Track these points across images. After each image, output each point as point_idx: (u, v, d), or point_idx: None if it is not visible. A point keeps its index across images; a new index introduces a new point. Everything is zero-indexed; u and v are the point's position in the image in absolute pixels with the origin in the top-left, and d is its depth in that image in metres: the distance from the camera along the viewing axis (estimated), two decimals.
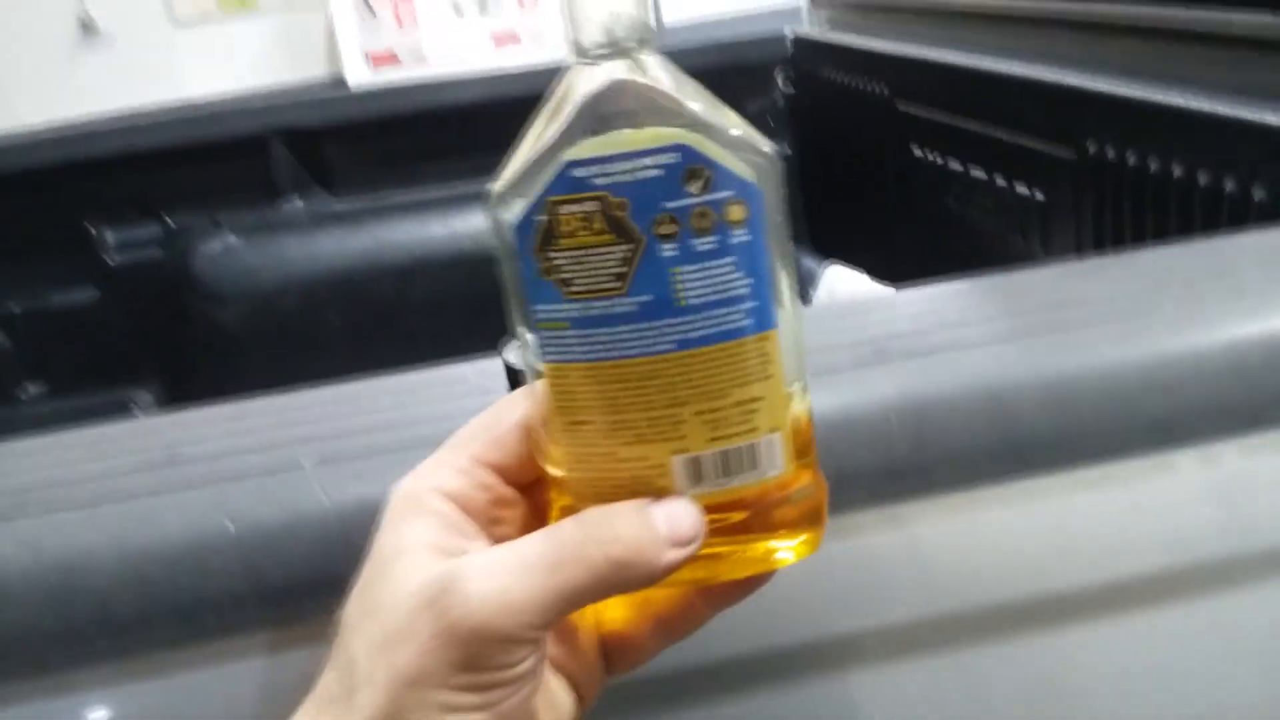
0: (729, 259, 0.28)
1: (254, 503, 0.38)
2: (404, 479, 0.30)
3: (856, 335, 0.43)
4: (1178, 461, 0.41)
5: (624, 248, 0.28)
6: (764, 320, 0.29)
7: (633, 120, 0.28)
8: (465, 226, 1.50)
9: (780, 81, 1.56)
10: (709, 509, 0.29)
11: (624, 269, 0.28)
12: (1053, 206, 0.92)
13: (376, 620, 0.27)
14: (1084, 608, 0.42)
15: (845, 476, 0.39)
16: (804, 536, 0.31)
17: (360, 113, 1.51)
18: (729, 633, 0.36)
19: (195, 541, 0.37)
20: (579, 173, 0.27)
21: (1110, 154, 0.82)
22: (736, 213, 0.28)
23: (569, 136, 0.28)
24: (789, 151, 1.59)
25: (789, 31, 1.54)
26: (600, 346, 0.28)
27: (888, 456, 0.39)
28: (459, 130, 1.53)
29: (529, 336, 0.29)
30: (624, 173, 0.27)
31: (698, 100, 0.28)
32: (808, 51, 1.49)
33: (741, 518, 0.30)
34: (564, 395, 0.29)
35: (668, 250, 0.28)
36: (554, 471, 0.30)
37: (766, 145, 0.28)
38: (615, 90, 0.28)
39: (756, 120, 1.59)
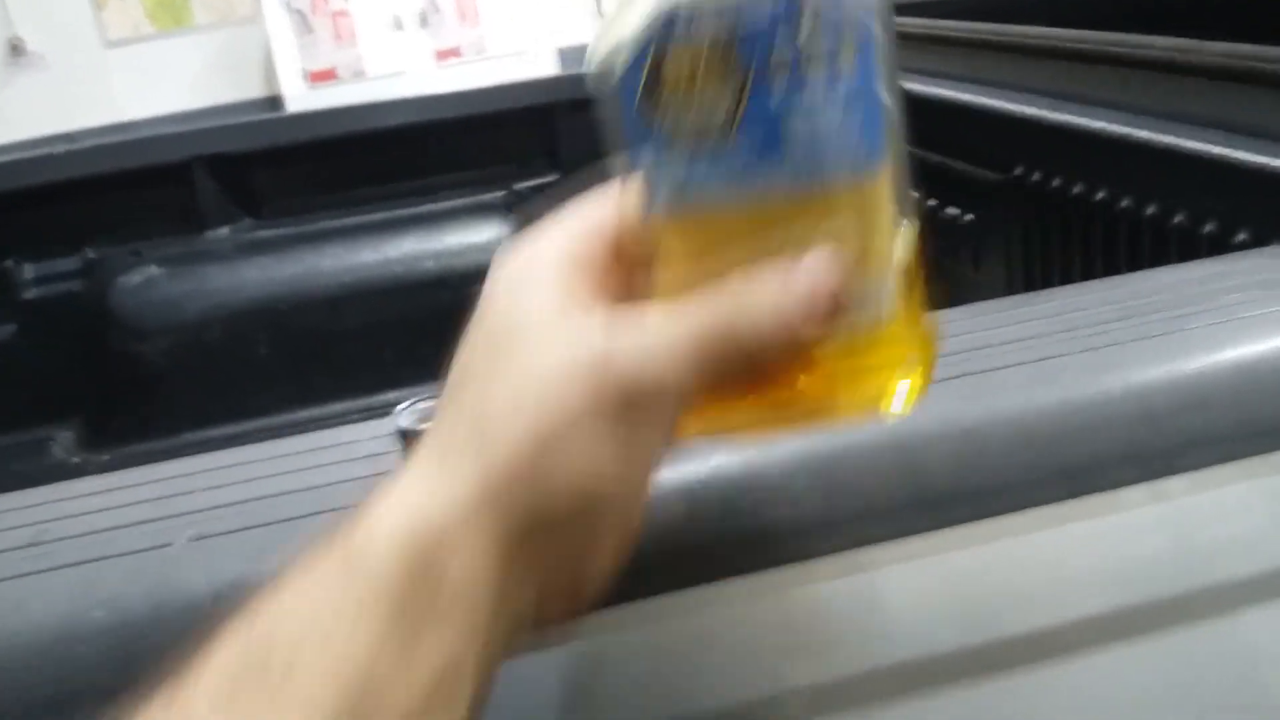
0: (840, 97, 0.27)
1: (125, 586, 0.36)
2: (513, 248, 0.30)
3: None
4: (1091, 505, 0.40)
5: (731, 90, 0.27)
6: (875, 158, 0.28)
7: None
8: (398, 251, 1.47)
9: None
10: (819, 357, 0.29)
11: (732, 112, 0.27)
12: (982, 227, 0.92)
13: (516, 377, 0.27)
14: (1032, 651, 0.41)
15: (753, 534, 0.38)
16: (919, 375, 0.30)
17: (287, 137, 1.47)
18: (688, 688, 0.35)
19: (61, 630, 0.35)
20: (686, 15, 0.27)
21: (1036, 176, 0.83)
22: (848, 52, 0.27)
23: None
24: None
25: None
26: (710, 192, 0.28)
27: (794, 513, 0.38)
28: (390, 154, 1.51)
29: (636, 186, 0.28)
30: (731, 16, 0.26)
31: None
32: None
33: (849, 359, 0.29)
34: (673, 245, 0.29)
35: (777, 92, 0.27)
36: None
37: None
38: None
39: None
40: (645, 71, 0.27)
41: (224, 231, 1.47)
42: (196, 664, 0.25)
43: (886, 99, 0.28)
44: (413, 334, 1.44)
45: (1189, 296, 0.44)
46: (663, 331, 0.27)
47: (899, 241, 0.29)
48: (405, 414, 0.38)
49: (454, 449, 0.27)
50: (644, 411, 0.27)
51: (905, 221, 0.29)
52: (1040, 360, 0.41)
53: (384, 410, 1.37)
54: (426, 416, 0.38)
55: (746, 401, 0.30)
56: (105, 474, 0.43)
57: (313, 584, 0.26)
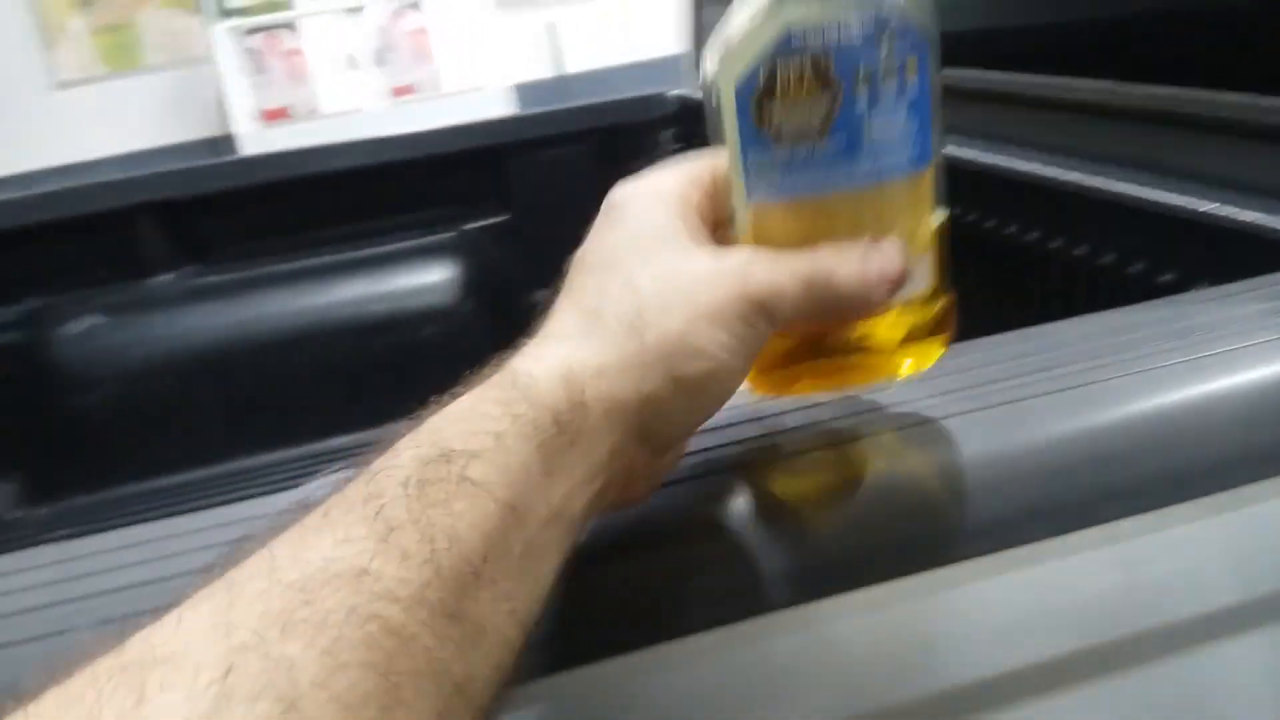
0: (905, 105, 0.34)
1: (19, 677, 0.34)
2: (631, 181, 0.36)
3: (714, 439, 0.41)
4: (1003, 562, 0.40)
5: (827, 99, 0.33)
6: (926, 157, 0.35)
7: None
8: (346, 295, 1.46)
9: (669, 139, 1.56)
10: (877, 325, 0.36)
11: (827, 117, 0.33)
12: None
13: (668, 272, 0.33)
14: (985, 699, 0.41)
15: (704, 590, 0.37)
16: (941, 339, 0.38)
17: (231, 182, 1.46)
18: None
19: None
20: (795, 37, 0.33)
21: (971, 217, 0.83)
22: (912, 67, 0.34)
23: (785, 5, 0.33)
24: None
25: (672, 92, 1.54)
26: (801, 185, 0.34)
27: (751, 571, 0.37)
28: (337, 196, 1.50)
29: (740, 181, 0.35)
30: (832, 36, 0.33)
31: None
32: (690, 112, 1.50)
33: (900, 326, 0.37)
34: (765, 230, 0.35)
35: (861, 100, 0.33)
36: None
37: (931, 11, 0.34)
38: None
39: None
40: (761, 80, 0.33)
41: (169, 278, 1.45)
42: (380, 463, 0.29)
43: (938, 104, 0.35)
44: (362, 378, 1.42)
45: (1103, 348, 0.44)
46: (785, 263, 0.33)
47: (937, 224, 0.36)
48: (318, 488, 0.38)
49: (605, 323, 0.32)
50: (764, 320, 0.33)
51: (940, 210, 0.36)
52: (947, 417, 0.41)
53: (332, 457, 1.35)
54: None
55: (811, 364, 0.37)
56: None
57: (482, 411, 0.30)
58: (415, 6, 4.08)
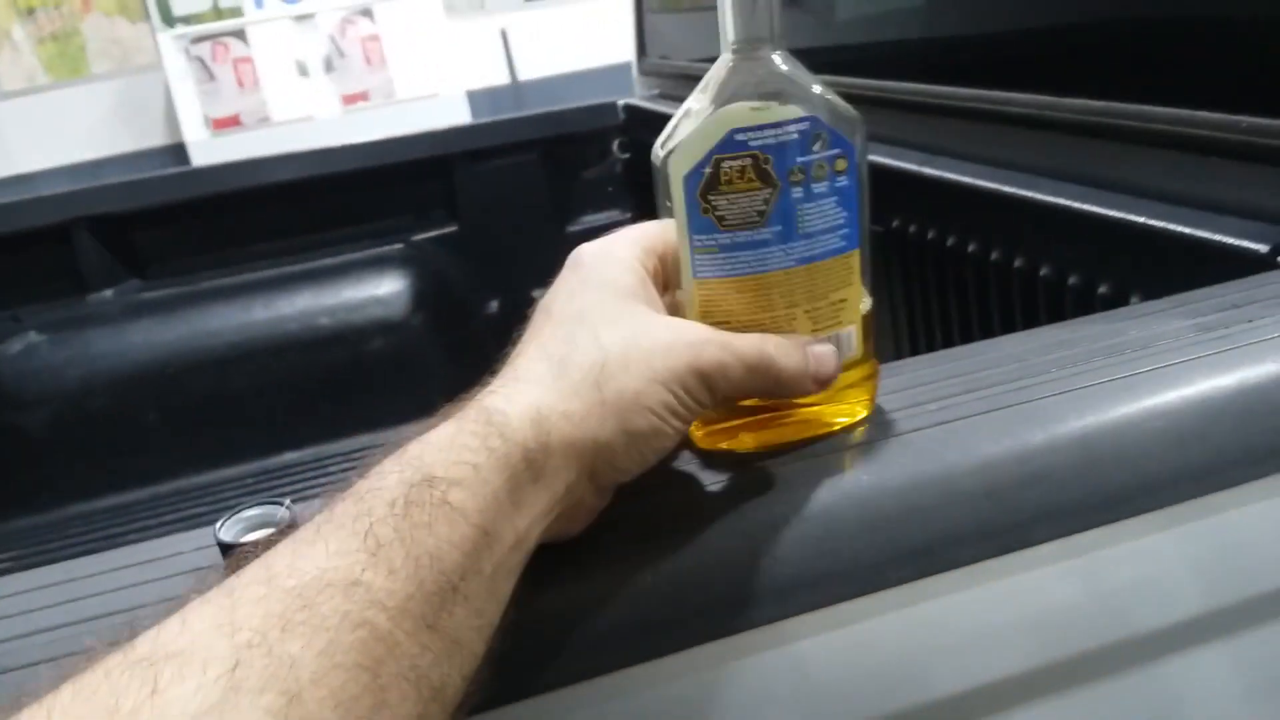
0: (834, 197, 0.39)
1: None
2: (604, 243, 0.40)
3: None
4: (939, 586, 0.39)
5: (766, 192, 0.38)
6: (854, 240, 0.40)
7: (775, 97, 0.38)
8: (292, 308, 1.44)
9: (616, 148, 1.56)
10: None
11: (764, 207, 0.38)
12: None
13: (633, 333, 0.36)
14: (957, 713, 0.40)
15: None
16: (864, 400, 0.42)
17: (170, 195, 1.43)
18: None
19: None
20: (740, 137, 0.37)
21: (913, 229, 0.83)
22: (842, 164, 0.38)
23: (730, 110, 0.37)
24: (628, 215, 1.59)
25: (620, 101, 1.54)
26: (741, 265, 0.39)
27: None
28: (281, 208, 1.48)
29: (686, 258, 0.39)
30: (772, 137, 0.37)
31: (816, 84, 0.39)
32: (638, 120, 1.50)
33: (828, 389, 0.40)
34: (709, 303, 0.39)
35: (796, 192, 0.38)
36: None
37: (858, 118, 0.39)
38: (763, 76, 0.38)
39: (595, 186, 1.59)
40: (707, 173, 0.37)
41: (108, 294, 1.42)
42: (365, 486, 0.31)
43: (864, 195, 0.40)
44: (308, 392, 1.40)
45: (1033, 367, 0.44)
46: (734, 346, 0.37)
47: (864, 299, 0.41)
48: (226, 527, 0.36)
49: (571, 373, 0.35)
50: (707, 392, 0.36)
51: (866, 287, 0.41)
52: (886, 439, 0.41)
53: (279, 473, 1.32)
54: (250, 528, 0.36)
55: (753, 422, 0.41)
56: None
57: (462, 443, 0.32)
58: (367, 14, 4.04)
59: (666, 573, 0.37)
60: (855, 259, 0.40)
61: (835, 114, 0.39)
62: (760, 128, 0.37)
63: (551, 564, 0.36)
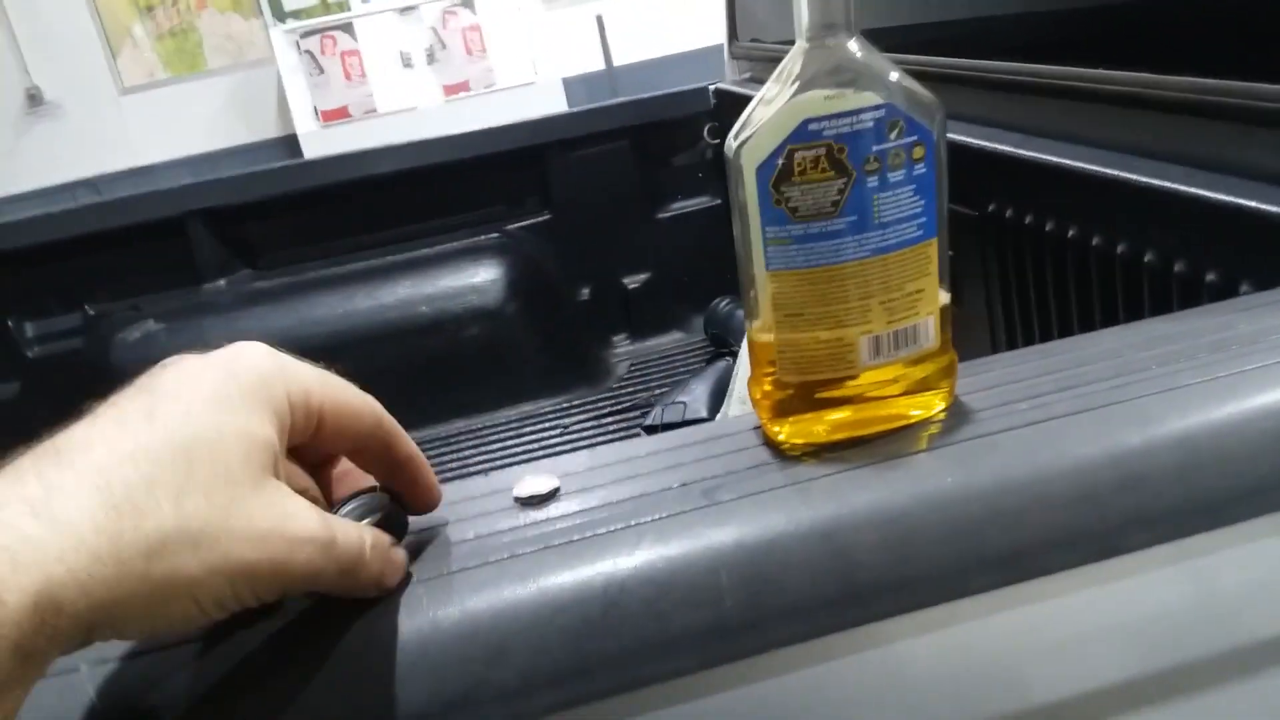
0: (912, 185, 0.38)
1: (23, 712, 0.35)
2: (267, 366, 0.34)
3: (687, 474, 0.40)
4: (1028, 592, 0.38)
5: (840, 181, 0.37)
6: (931, 230, 0.39)
7: (850, 85, 0.37)
8: (392, 297, 1.47)
9: (707, 134, 1.55)
10: (880, 379, 0.40)
11: (839, 197, 0.37)
12: (963, 263, 0.91)
13: (225, 510, 0.30)
14: None
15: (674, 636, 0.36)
16: (943, 393, 0.41)
17: (278, 188, 1.48)
18: None
19: None
20: (813, 127, 0.36)
21: (1009, 213, 0.81)
22: (919, 152, 0.38)
23: (804, 98, 0.37)
24: (718, 201, 1.58)
25: (711, 86, 1.53)
26: (815, 256, 0.38)
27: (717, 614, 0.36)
28: (382, 200, 1.51)
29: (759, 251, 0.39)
30: (846, 125, 0.36)
31: (892, 70, 0.38)
32: (729, 105, 1.48)
33: (903, 380, 0.40)
34: (783, 295, 0.39)
35: (871, 182, 0.37)
36: (765, 339, 0.41)
37: (936, 103, 0.38)
38: (838, 63, 0.37)
39: (685, 172, 1.59)
40: (780, 163, 0.37)
41: (221, 284, 1.48)
42: None
43: (942, 184, 0.39)
44: (408, 378, 1.43)
45: (1131, 363, 0.42)
46: (340, 545, 0.33)
47: (942, 292, 0.40)
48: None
49: (125, 533, 0.28)
50: (279, 592, 0.32)
51: (944, 277, 0.40)
52: (973, 440, 0.39)
53: None
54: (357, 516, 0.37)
55: (827, 414, 0.41)
56: None
57: None
58: (468, 4, 4.10)
59: (741, 573, 0.37)
60: (933, 248, 0.39)
61: (912, 100, 0.38)
62: (834, 116, 0.36)
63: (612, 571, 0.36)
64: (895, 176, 0.37)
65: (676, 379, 1.49)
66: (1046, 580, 0.38)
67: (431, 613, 0.35)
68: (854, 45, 0.38)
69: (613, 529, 0.38)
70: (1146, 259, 0.65)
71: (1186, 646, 0.40)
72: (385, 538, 0.36)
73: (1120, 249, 0.67)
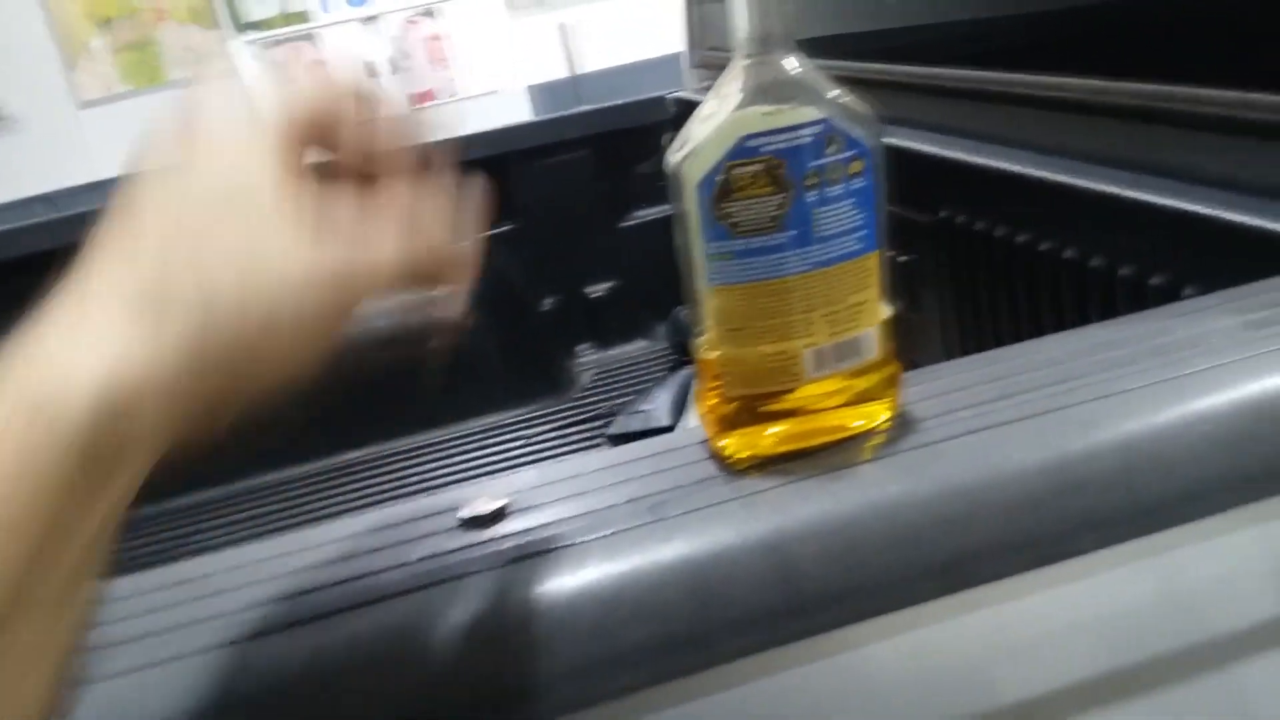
0: (851, 199, 0.38)
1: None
2: (230, 102, 0.30)
3: (635, 490, 0.40)
4: (976, 598, 0.38)
5: (780, 197, 0.37)
6: (872, 243, 0.39)
7: (788, 101, 0.37)
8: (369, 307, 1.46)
9: (666, 142, 1.55)
10: (824, 391, 0.40)
11: (779, 212, 0.37)
12: (918, 269, 0.91)
13: (253, 257, 0.27)
14: None
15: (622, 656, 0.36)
16: (888, 401, 0.41)
17: None
18: None
19: None
20: (751, 143, 0.36)
21: (961, 219, 0.81)
22: (857, 166, 0.38)
23: (742, 115, 0.37)
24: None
25: (671, 95, 1.53)
26: (757, 271, 0.38)
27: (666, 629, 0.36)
28: None
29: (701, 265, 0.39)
30: (784, 141, 0.36)
31: (830, 85, 0.38)
32: (688, 113, 1.48)
33: (847, 392, 0.40)
34: (726, 310, 0.39)
35: (811, 196, 0.37)
36: (710, 360, 0.41)
37: (874, 118, 0.38)
38: (776, 79, 0.37)
39: (647, 180, 1.59)
40: (719, 179, 0.37)
41: None
42: None
43: (881, 197, 0.39)
44: (366, 392, 1.42)
45: (1073, 370, 0.42)
46: (382, 266, 0.30)
47: (884, 304, 0.40)
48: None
49: (163, 321, 0.26)
50: (344, 323, 0.30)
51: (886, 288, 0.40)
52: (917, 449, 0.40)
53: (339, 473, 1.34)
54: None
55: (772, 427, 0.41)
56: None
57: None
58: (430, 13, 4.09)
59: (688, 588, 0.37)
60: (873, 261, 0.40)
61: (850, 115, 0.38)
62: (772, 132, 0.37)
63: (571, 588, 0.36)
64: (834, 191, 0.38)
65: (640, 387, 1.49)
66: (993, 586, 0.38)
67: (374, 640, 0.34)
68: (791, 61, 0.38)
69: (559, 547, 0.37)
70: (1093, 264, 0.66)
71: (1137, 646, 0.41)
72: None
73: (1069, 254, 0.68)
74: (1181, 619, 0.41)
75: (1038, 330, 0.73)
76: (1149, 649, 0.41)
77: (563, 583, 0.36)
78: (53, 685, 0.26)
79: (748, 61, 0.38)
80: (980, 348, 0.82)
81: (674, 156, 0.39)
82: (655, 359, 1.57)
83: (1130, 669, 0.41)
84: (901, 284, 0.95)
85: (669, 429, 1.26)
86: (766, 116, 0.37)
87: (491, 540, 0.39)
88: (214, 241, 0.28)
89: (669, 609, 0.36)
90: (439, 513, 0.41)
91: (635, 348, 1.63)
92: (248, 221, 0.28)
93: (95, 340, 0.26)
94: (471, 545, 0.38)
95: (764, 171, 0.37)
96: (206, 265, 0.27)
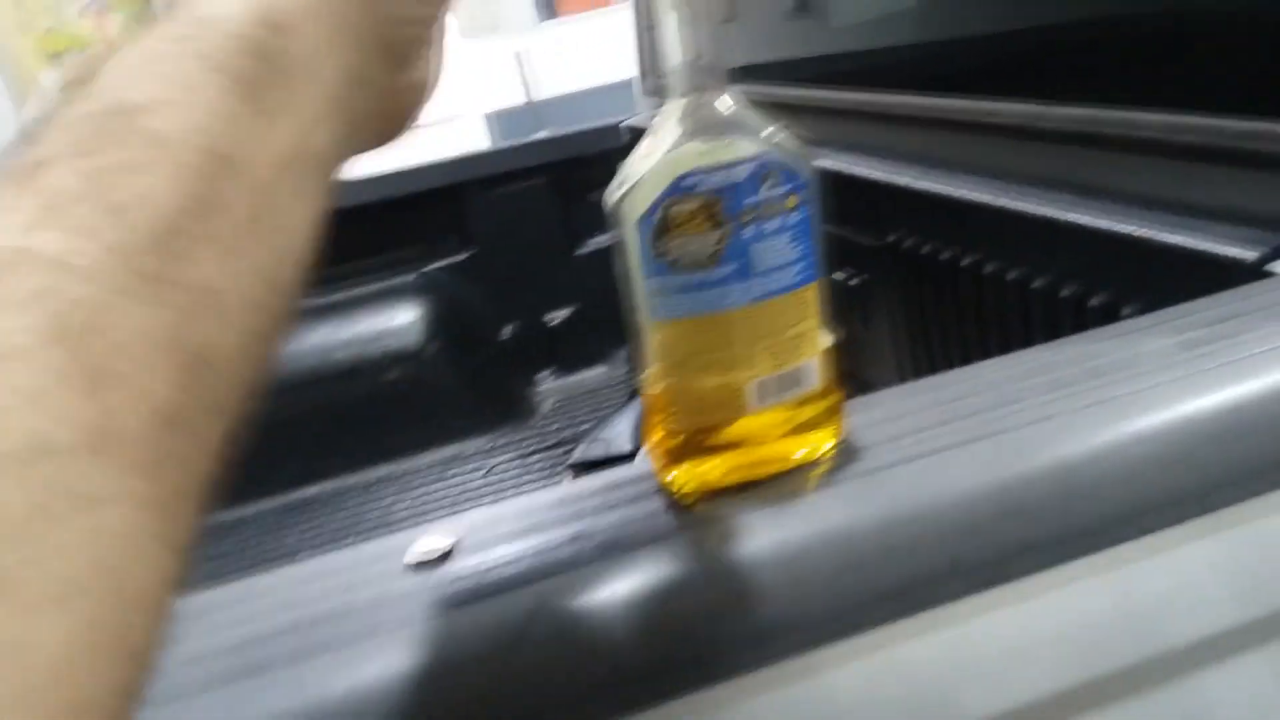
0: (788, 233, 0.39)
1: None
2: None
3: (584, 526, 0.40)
4: (924, 623, 0.39)
5: (718, 233, 0.38)
6: (811, 275, 0.40)
7: (724, 138, 0.38)
8: (305, 344, 1.45)
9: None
10: (769, 422, 0.40)
11: (717, 248, 0.38)
12: (868, 290, 0.92)
13: None
14: None
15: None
16: (833, 429, 0.42)
17: None
18: None
19: None
20: (688, 181, 0.37)
21: (909, 242, 0.83)
22: (793, 201, 0.38)
23: (678, 153, 0.37)
24: None
25: (624, 122, 1.54)
26: (698, 305, 0.39)
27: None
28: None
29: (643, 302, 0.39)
30: (720, 178, 0.37)
31: (763, 123, 0.39)
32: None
33: (792, 422, 0.41)
34: (669, 344, 0.40)
35: (748, 231, 0.38)
36: (655, 395, 0.41)
37: (808, 153, 0.39)
38: (711, 118, 0.38)
39: (601, 209, 1.60)
40: (658, 216, 0.37)
41: None
42: (44, 132, 0.24)
43: (818, 230, 0.40)
44: (327, 426, 1.41)
45: (1012, 394, 0.43)
46: None
47: (824, 333, 0.41)
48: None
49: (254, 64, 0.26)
50: None
51: (825, 319, 0.41)
52: (861, 476, 0.40)
53: (300, 508, 1.33)
54: None
55: (718, 458, 0.41)
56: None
57: (160, 54, 0.25)
58: None
59: (638, 624, 0.37)
60: (813, 292, 0.40)
61: (785, 151, 0.39)
62: (709, 170, 0.37)
63: (518, 619, 0.36)
64: (771, 226, 0.38)
65: (602, 413, 1.49)
66: (943, 609, 0.39)
67: (322, 690, 0.34)
68: (726, 100, 0.39)
69: (507, 589, 0.37)
70: (1036, 285, 0.67)
71: (1091, 663, 0.41)
72: None
73: (1012, 275, 0.69)
74: (1134, 634, 0.42)
75: (985, 349, 0.74)
76: (1103, 665, 0.42)
77: (512, 624, 0.36)
78: (266, 305, 0.25)
79: (683, 100, 0.39)
80: (932, 366, 0.83)
81: (613, 195, 0.39)
82: (615, 385, 1.57)
83: (1086, 685, 0.42)
84: (854, 305, 0.96)
85: (631, 455, 1.27)
86: (702, 154, 0.37)
87: (440, 583, 0.38)
88: None
89: (620, 647, 0.36)
90: (387, 556, 0.41)
91: (595, 374, 1.63)
92: None
93: None
94: (420, 589, 0.38)
95: (701, 208, 0.37)
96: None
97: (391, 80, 0.31)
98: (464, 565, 0.39)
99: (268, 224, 0.25)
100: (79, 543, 0.19)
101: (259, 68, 0.26)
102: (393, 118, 0.32)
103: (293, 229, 0.26)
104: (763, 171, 0.38)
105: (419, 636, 0.36)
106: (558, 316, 1.60)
